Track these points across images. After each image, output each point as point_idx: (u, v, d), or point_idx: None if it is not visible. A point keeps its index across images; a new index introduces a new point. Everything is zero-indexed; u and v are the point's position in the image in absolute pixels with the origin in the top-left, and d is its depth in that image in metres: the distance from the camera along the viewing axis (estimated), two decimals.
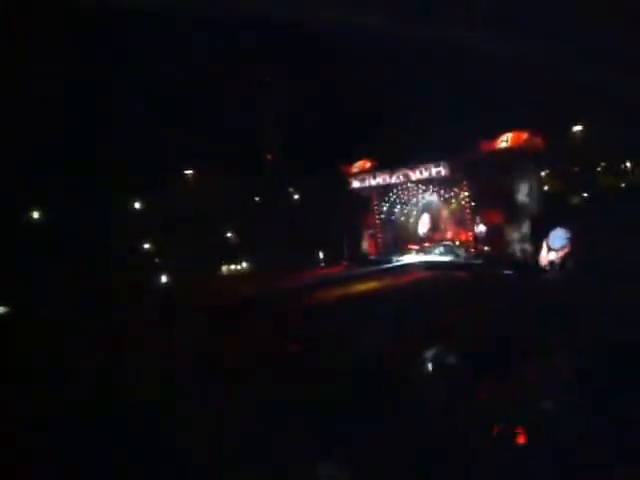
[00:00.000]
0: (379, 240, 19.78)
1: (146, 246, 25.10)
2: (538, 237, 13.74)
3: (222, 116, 24.16)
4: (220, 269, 23.47)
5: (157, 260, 24.07)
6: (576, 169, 29.73)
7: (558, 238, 13.92)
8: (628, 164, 32.40)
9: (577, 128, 31.78)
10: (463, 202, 17.14)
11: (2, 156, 17.82)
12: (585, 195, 20.68)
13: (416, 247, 19.15)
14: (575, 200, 18.34)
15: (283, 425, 5.79)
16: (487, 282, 13.77)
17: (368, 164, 19.46)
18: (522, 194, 14.88)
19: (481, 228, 16.61)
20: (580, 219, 13.26)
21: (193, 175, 28.91)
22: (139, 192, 26.62)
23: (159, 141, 23.16)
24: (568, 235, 13.77)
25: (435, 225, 19.14)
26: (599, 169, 32.05)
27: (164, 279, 22.63)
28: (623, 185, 27.87)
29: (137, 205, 27.56)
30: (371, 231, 19.83)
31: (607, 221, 11.91)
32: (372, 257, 19.50)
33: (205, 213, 24.30)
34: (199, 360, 8.89)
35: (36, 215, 23.71)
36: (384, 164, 18.76)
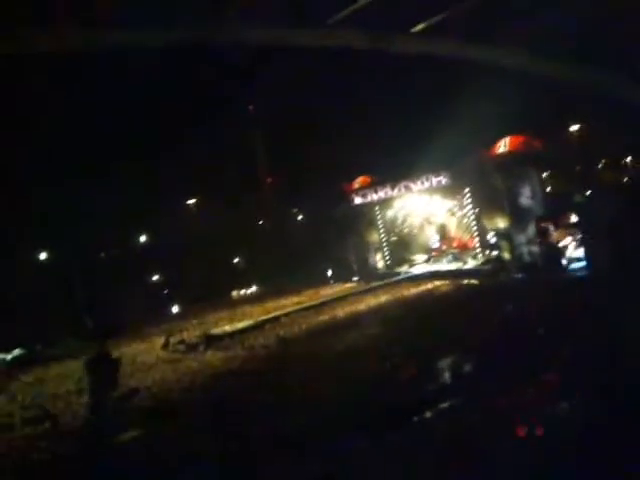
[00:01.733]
0: (386, 253, 19.73)
1: (155, 277, 25.25)
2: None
3: (219, 143, 24.49)
4: (231, 294, 23.50)
5: (166, 291, 24.17)
6: (577, 168, 29.73)
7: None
8: (628, 159, 32.40)
9: (574, 127, 31.93)
10: (467, 209, 17.13)
11: None
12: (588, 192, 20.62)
13: (424, 257, 19.08)
14: (578, 198, 18.27)
15: None
16: (498, 287, 13.69)
17: (369, 179, 19.55)
18: (525, 196, 14.80)
19: (487, 234, 16.55)
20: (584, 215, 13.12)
21: (196, 204, 29.21)
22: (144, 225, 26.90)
23: (160, 173, 23.49)
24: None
25: (441, 234, 19.10)
26: (599, 166, 32.04)
27: (175, 309, 22.66)
28: (625, 180, 27.80)
29: (143, 238, 27.84)
30: (377, 245, 19.80)
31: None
32: (381, 271, 19.44)
33: (211, 240, 24.45)
34: None
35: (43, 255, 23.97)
36: (385, 178, 18.82)
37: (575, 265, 13.53)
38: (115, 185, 21.89)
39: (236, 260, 27.33)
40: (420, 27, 17.20)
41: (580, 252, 13.52)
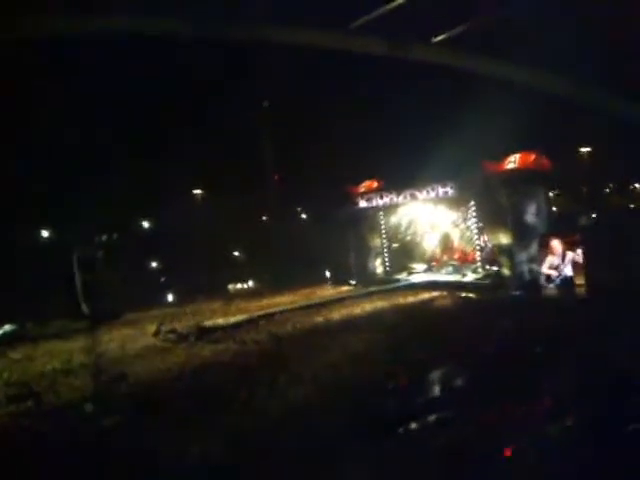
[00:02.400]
0: (386, 259, 19.67)
1: (153, 264, 25.27)
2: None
3: (227, 136, 24.51)
4: (228, 287, 23.48)
5: (163, 278, 24.16)
6: (584, 189, 29.72)
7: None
8: (637, 185, 32.37)
9: (585, 149, 31.92)
10: (470, 222, 17.06)
11: None
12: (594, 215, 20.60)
13: (424, 266, 19.02)
14: (584, 220, 18.22)
15: None
16: (495, 303, 13.62)
17: (375, 184, 19.49)
18: (530, 214, 14.73)
19: (489, 248, 16.47)
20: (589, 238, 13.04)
21: (201, 195, 29.24)
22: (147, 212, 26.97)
23: (166, 161, 23.54)
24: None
25: (442, 245, 19.03)
26: (607, 190, 32.02)
27: (170, 297, 22.65)
28: (632, 206, 27.78)
29: (146, 224, 27.89)
30: (378, 250, 19.75)
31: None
32: (379, 276, 19.38)
33: (212, 233, 24.45)
34: None
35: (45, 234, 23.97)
36: (391, 184, 18.79)
37: (576, 285, 13.49)
38: (119, 174, 21.97)
39: (236, 254, 27.33)
40: (439, 38, 17.30)
41: (581, 272, 13.46)
